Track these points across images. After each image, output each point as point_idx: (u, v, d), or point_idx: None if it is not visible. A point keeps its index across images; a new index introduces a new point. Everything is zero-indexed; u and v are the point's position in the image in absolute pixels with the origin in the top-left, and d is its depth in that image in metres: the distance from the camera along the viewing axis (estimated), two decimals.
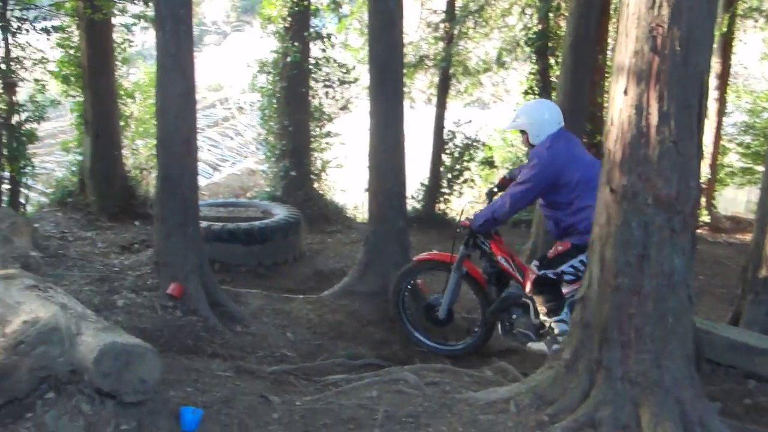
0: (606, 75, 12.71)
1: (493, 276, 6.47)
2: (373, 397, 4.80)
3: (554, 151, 5.83)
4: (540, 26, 12.81)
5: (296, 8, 12.59)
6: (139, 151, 14.15)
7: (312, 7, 12.94)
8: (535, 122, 5.99)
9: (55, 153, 19.45)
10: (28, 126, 10.88)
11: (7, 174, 10.64)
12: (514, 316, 6.32)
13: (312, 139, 13.40)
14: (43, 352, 3.88)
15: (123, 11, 11.88)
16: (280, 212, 10.00)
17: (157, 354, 4.00)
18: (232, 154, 28.35)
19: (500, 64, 13.97)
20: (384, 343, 6.92)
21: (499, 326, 6.47)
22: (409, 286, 7.02)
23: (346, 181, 14.81)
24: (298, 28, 12.70)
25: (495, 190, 6.76)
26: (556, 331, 5.92)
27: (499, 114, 15.77)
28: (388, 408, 4.54)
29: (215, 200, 13.13)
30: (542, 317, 6.03)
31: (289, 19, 12.70)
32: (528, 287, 6.04)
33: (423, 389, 4.92)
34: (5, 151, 10.50)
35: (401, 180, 7.55)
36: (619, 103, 4.01)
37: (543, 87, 12.85)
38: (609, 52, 12.75)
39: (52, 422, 3.74)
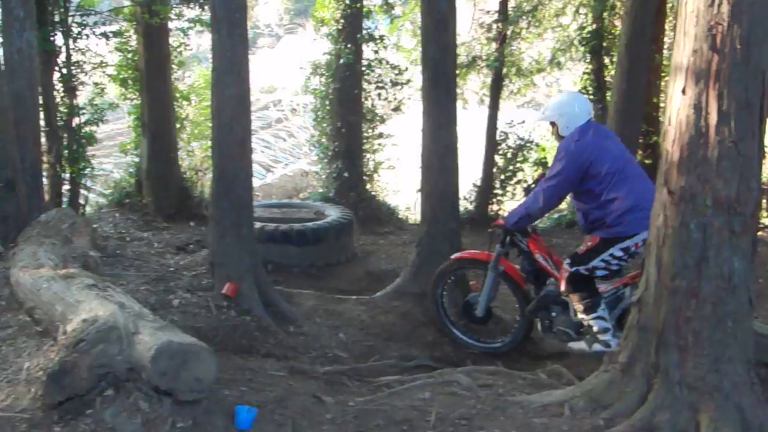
0: (662, 74, 12.53)
1: (532, 274, 6.41)
2: (426, 398, 4.80)
3: (582, 144, 5.78)
4: (594, 25, 12.69)
5: (349, 10, 12.65)
6: (194, 152, 14.36)
7: (365, 9, 12.97)
8: (565, 114, 5.97)
9: (113, 155, 19.78)
10: (87, 128, 11.13)
11: (67, 175, 10.87)
12: (554, 314, 6.25)
13: (364, 141, 13.45)
14: (102, 350, 3.95)
15: (179, 15, 12.06)
16: (332, 213, 10.04)
17: (213, 353, 4.04)
18: (285, 156, 28.55)
19: (554, 64, 13.86)
20: (436, 344, 6.90)
21: (539, 324, 6.43)
22: (446, 285, 6.99)
23: (398, 182, 14.82)
24: (351, 30, 12.75)
25: (532, 186, 6.71)
26: (595, 328, 5.84)
27: None
28: (441, 410, 4.53)
29: (268, 201, 13.24)
30: (579, 315, 5.95)
31: (342, 21, 12.77)
32: (562, 286, 5.97)
33: (476, 391, 4.90)
34: (65, 153, 10.73)
35: (454, 181, 7.52)
36: (677, 103, 3.94)
37: (597, 87, 12.73)
38: (665, 51, 12.57)
39: (111, 419, 3.80)
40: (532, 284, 6.46)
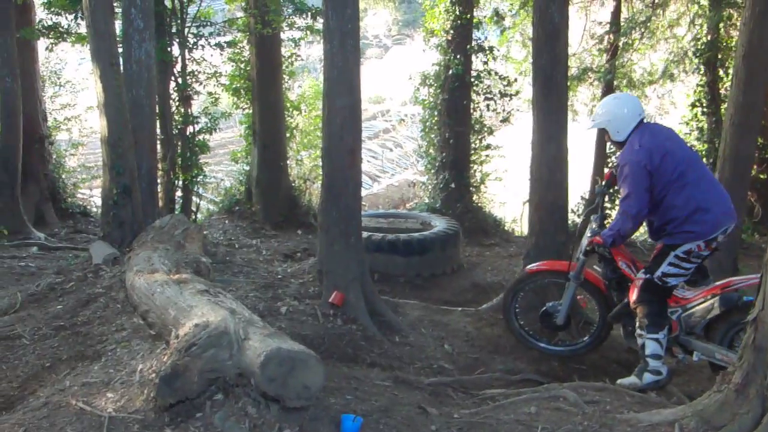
0: None
1: (614, 281, 6.30)
2: (532, 413, 4.72)
3: (643, 151, 5.61)
4: (709, 36, 12.31)
5: (459, 21, 12.62)
6: (303, 161, 14.56)
7: (474, 20, 12.92)
8: (615, 118, 5.84)
9: (224, 163, 20.28)
10: (201, 137, 11.41)
11: (180, 182, 11.18)
12: None
13: (472, 152, 13.36)
14: (213, 354, 4.02)
15: (291, 26, 12.26)
16: (438, 224, 10.01)
17: (321, 361, 4.06)
18: (392, 166, 28.76)
19: (667, 76, 13.50)
20: (543, 358, 6.80)
21: (622, 330, 6.33)
22: (521, 297, 6.93)
23: (505, 194, 14.68)
24: (461, 40, 12.71)
25: (604, 189, 6.58)
26: (647, 351, 5.68)
27: None
28: (547, 425, 4.45)
29: (375, 211, 13.30)
30: (638, 331, 5.78)
31: (452, 32, 12.74)
32: (634, 296, 5.81)
33: (583, 407, 4.79)
34: (179, 161, 11.03)
35: (563, 194, 7.39)
36: None
37: (711, 99, 12.36)
38: None
39: (219, 423, 3.86)
40: (614, 291, 6.34)
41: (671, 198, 5.59)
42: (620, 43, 12.90)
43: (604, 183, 6.65)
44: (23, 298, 6.85)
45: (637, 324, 5.80)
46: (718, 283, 5.89)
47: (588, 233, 6.27)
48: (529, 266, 6.94)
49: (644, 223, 6.05)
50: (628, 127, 5.80)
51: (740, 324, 5.62)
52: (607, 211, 12.25)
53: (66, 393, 4.45)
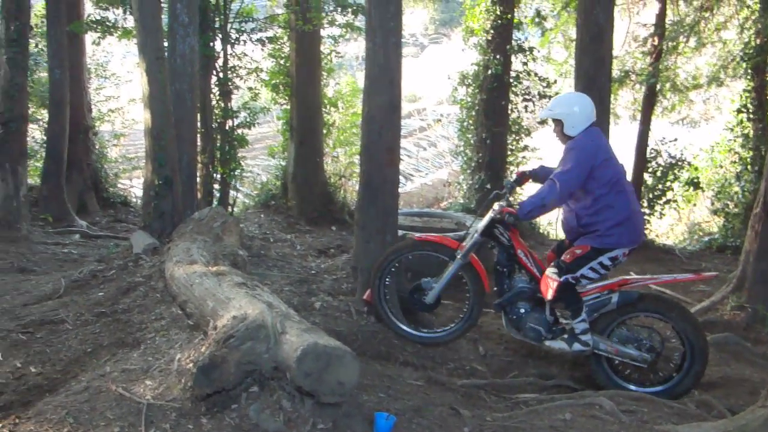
0: None
1: (507, 268, 6.24)
2: (566, 420, 4.70)
3: (596, 144, 5.76)
4: (759, 41, 12.14)
5: (499, 21, 12.58)
6: (338, 158, 14.59)
7: (515, 21, 12.87)
8: (574, 114, 5.87)
9: (259, 157, 20.36)
10: (240, 131, 11.49)
11: (218, 175, 11.27)
12: (523, 311, 6.12)
13: (509, 153, 13.32)
14: (250, 347, 4.04)
15: (331, 23, 12.30)
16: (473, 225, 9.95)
17: (356, 358, 4.07)
18: (426, 165, 28.73)
19: (714, 80, 13.34)
20: (576, 364, 6.73)
21: (504, 318, 6.24)
22: (396, 265, 6.55)
23: None
24: (500, 41, 12.68)
25: (513, 184, 6.51)
26: (577, 330, 5.83)
27: (709, 133, 15.05)
28: None
29: (410, 209, 13.27)
30: (564, 321, 5.98)
31: (492, 31, 12.71)
32: (550, 294, 5.80)
33: (619, 416, 4.76)
34: (218, 154, 11.12)
35: None
36: None
37: (758, 105, 12.22)
38: None
39: (254, 415, 3.89)
40: (506, 279, 6.24)
41: (611, 198, 5.71)
42: (665, 46, 12.77)
43: (514, 179, 6.57)
44: (66, 284, 6.98)
45: (563, 314, 6.01)
46: (614, 280, 6.03)
47: (490, 214, 6.16)
48: (418, 234, 6.82)
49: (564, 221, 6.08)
50: (582, 125, 5.86)
51: (622, 318, 5.96)
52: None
53: (106, 378, 4.50)
